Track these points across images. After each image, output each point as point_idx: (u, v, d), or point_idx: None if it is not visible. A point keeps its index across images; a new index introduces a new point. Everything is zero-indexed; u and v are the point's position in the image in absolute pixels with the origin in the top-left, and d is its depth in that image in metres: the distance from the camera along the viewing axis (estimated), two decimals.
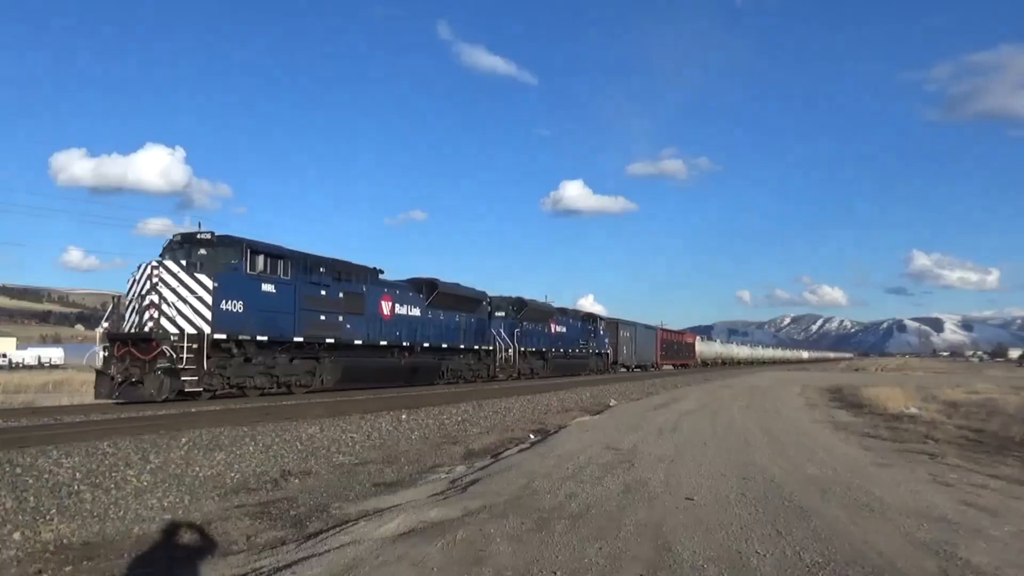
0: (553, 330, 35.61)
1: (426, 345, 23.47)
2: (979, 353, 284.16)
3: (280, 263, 17.10)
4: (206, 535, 6.11)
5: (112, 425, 10.88)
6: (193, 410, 13.54)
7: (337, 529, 6.14)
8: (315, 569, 4.95)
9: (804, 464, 9.57)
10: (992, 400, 22.36)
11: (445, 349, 25.07)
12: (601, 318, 44.80)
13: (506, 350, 29.24)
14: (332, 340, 18.75)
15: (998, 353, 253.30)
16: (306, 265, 18.14)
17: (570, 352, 37.98)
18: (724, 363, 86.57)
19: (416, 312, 23.22)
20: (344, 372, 19.41)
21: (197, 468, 8.35)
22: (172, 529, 6.25)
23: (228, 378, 15.86)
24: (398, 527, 6.00)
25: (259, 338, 16.32)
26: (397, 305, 22.21)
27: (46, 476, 7.25)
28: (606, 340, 44.10)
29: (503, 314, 30.10)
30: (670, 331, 66.96)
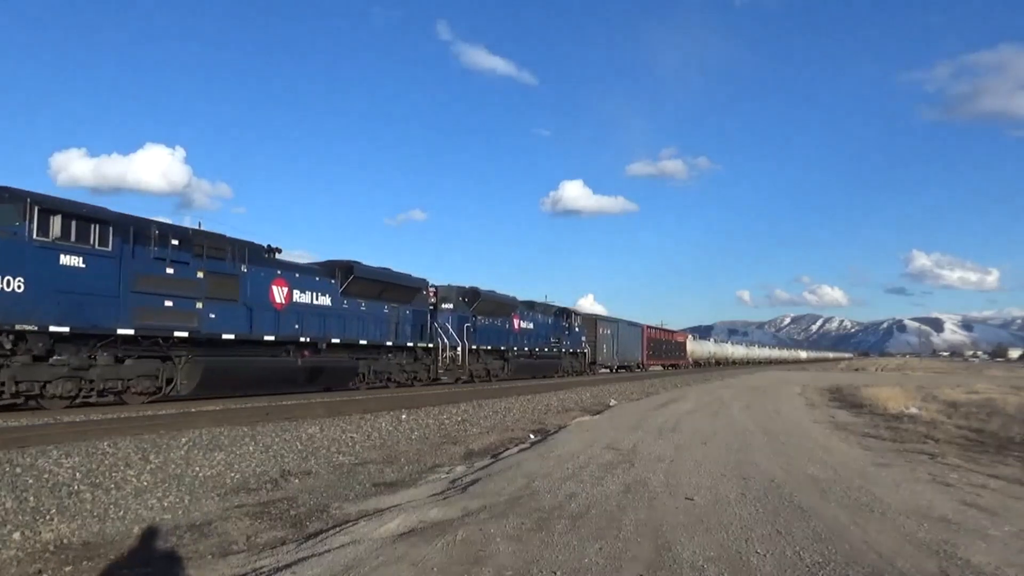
0: (517, 326, 31.67)
1: (337, 341, 19.48)
2: (979, 353, 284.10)
3: (93, 229, 13.05)
4: (206, 535, 6.11)
5: (112, 425, 10.89)
6: (193, 410, 13.56)
7: (337, 529, 6.14)
8: (315, 569, 4.95)
9: (804, 464, 9.57)
10: (992, 400, 22.37)
11: (366, 347, 20.98)
12: (577, 313, 41.15)
13: (453, 348, 25.67)
14: (185, 333, 14.77)
15: (998, 353, 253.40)
16: (139, 233, 13.97)
17: (538, 351, 33.89)
18: (718, 363, 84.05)
19: (325, 301, 19.30)
20: (205, 375, 15.14)
21: (197, 468, 8.35)
22: (172, 529, 6.25)
23: (3, 383, 11.95)
24: (398, 527, 6.00)
25: (55, 329, 12.33)
26: (297, 292, 18.21)
27: (46, 476, 7.25)
28: (582, 338, 40.72)
29: (451, 306, 26.46)
30: (658, 329, 63.36)
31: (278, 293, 17.72)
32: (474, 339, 27.33)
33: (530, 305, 34.67)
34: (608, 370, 46.42)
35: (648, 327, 57.35)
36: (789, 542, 5.61)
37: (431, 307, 25.18)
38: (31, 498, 6.57)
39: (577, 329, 39.83)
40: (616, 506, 6.81)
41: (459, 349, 25.94)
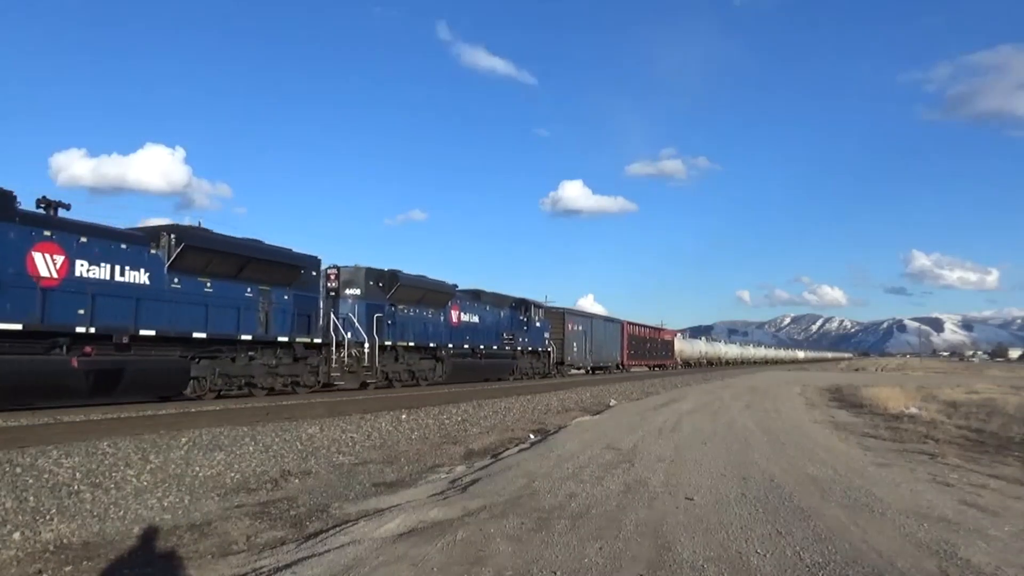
0: (455, 319, 26.58)
1: (151, 333, 14.44)
2: (979, 353, 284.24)
3: None
4: (206, 535, 6.11)
5: (112, 425, 10.90)
6: (193, 410, 13.56)
7: (337, 529, 6.14)
8: (315, 569, 4.95)
9: (804, 464, 9.57)
10: (992, 400, 22.39)
11: (207, 341, 15.86)
12: (539, 306, 35.23)
13: (358, 345, 20.65)
14: None
15: (998, 353, 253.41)
16: None
17: (484, 349, 28.67)
18: (711, 364, 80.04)
19: (138, 278, 14.39)
20: None
21: (197, 468, 8.35)
22: (172, 529, 6.25)
23: None
24: (398, 527, 6.00)
25: None
26: (82, 263, 13.35)
27: (46, 476, 7.25)
28: (546, 335, 35.54)
29: (358, 292, 21.46)
30: (641, 326, 58.11)
31: (44, 266, 12.78)
32: (391, 334, 22.35)
33: (475, 295, 29.45)
34: (585, 371, 43.15)
35: (629, 323, 52.78)
36: (789, 542, 5.61)
37: (328, 292, 20.53)
38: (31, 498, 6.57)
39: (539, 324, 34.51)
40: (616, 506, 6.81)
41: (365, 347, 20.72)
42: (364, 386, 21.40)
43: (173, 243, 15.18)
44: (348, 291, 21.35)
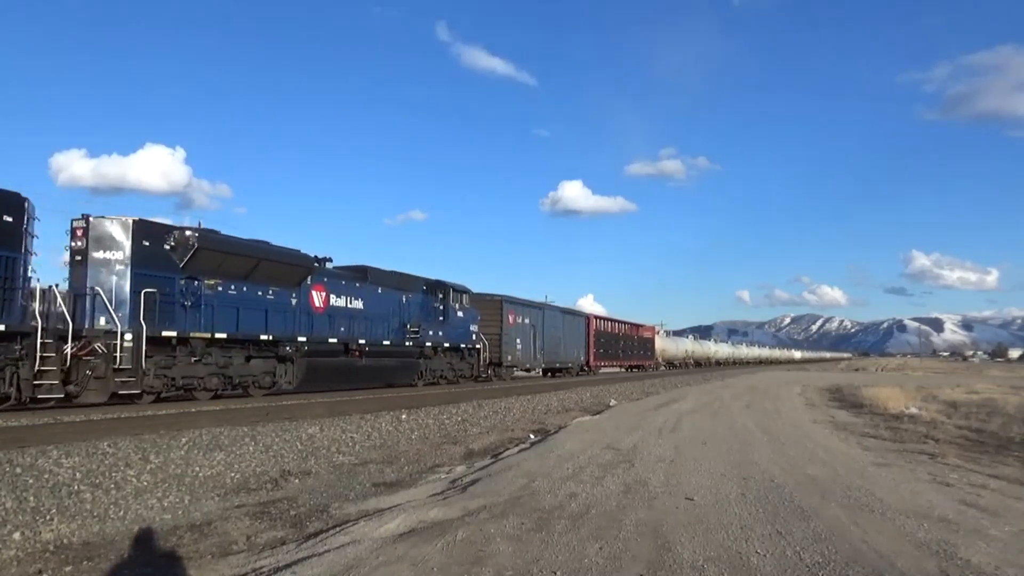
0: (318, 303, 19.47)
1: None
2: (979, 353, 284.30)
3: None
4: (206, 535, 6.11)
5: (112, 425, 10.90)
6: (193, 410, 13.56)
7: (337, 529, 6.14)
8: (315, 569, 4.95)
9: (804, 464, 9.57)
10: (992, 400, 22.39)
11: None
12: (462, 291, 27.28)
13: (111, 336, 13.74)
14: None
15: (998, 353, 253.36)
16: None
17: (370, 345, 21.22)
18: (698, 364, 73.90)
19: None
20: None
21: (197, 468, 8.35)
22: (172, 529, 6.25)
23: None
24: (398, 527, 6.00)
25: None
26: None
27: (46, 476, 7.25)
28: (472, 328, 27.74)
29: (121, 256, 14.36)
30: (613, 320, 50.67)
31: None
32: (187, 320, 15.47)
33: (358, 272, 21.92)
34: (545, 373, 37.97)
35: (597, 317, 46.03)
36: (789, 542, 5.60)
37: (72, 254, 14.45)
38: (31, 498, 6.57)
39: (462, 315, 26.84)
40: (616, 506, 6.81)
41: (128, 337, 13.86)
42: (113, 398, 13.99)
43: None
44: (101, 254, 14.30)
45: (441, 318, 25.53)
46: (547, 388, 25.28)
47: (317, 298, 19.57)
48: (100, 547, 5.73)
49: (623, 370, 50.14)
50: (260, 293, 17.57)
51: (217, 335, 16.00)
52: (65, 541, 5.81)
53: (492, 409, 16.80)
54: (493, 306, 31.01)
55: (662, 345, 63.32)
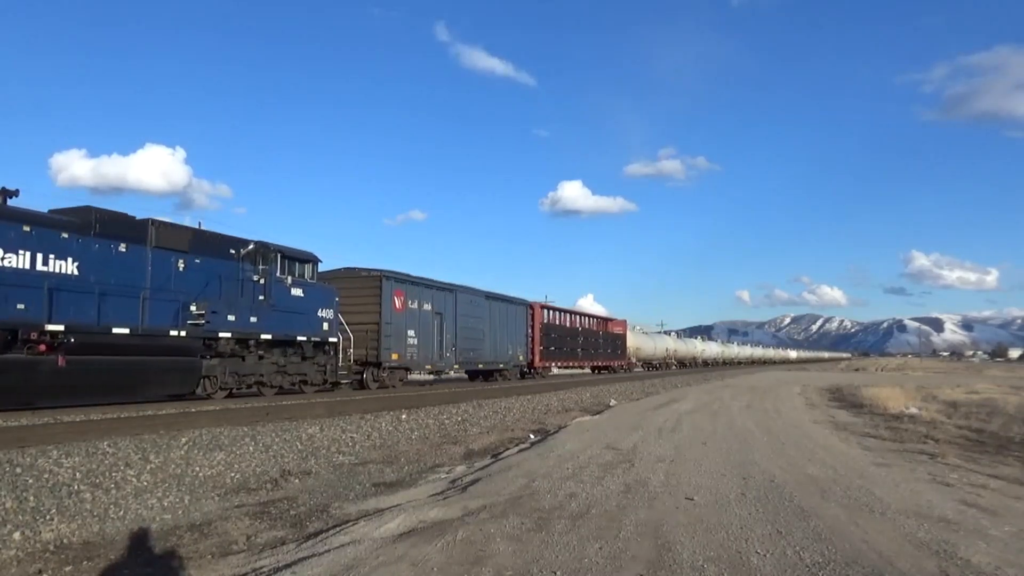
0: None
1: None
2: (979, 353, 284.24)
3: None
4: (206, 535, 6.11)
5: (112, 425, 10.89)
6: (193, 410, 13.55)
7: (337, 529, 6.14)
8: (315, 569, 4.95)
9: (804, 464, 9.56)
10: (992, 400, 22.39)
11: None
12: (307, 260, 19.15)
13: None
14: None
15: (998, 353, 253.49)
16: None
17: (79, 334, 12.84)
18: (683, 365, 66.47)
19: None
20: None
21: (197, 468, 8.36)
22: (172, 529, 6.25)
23: None
24: (398, 527, 6.00)
25: None
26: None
27: (46, 476, 7.25)
28: (322, 313, 19.26)
29: None
30: (569, 312, 42.14)
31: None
32: None
33: (77, 217, 13.69)
34: (436, 377, 29.62)
35: (545, 307, 37.67)
36: (789, 542, 5.60)
37: None
38: (31, 498, 6.57)
39: (300, 293, 18.57)
40: (616, 506, 6.80)
41: None
42: None
43: None
44: None
45: (261, 296, 17.34)
46: (548, 388, 25.28)
47: None
48: (100, 547, 5.73)
49: (594, 371, 44.20)
50: None
51: None
52: (65, 541, 5.81)
53: (492, 409, 16.80)
54: (369, 285, 22.67)
55: (636, 343, 53.95)
